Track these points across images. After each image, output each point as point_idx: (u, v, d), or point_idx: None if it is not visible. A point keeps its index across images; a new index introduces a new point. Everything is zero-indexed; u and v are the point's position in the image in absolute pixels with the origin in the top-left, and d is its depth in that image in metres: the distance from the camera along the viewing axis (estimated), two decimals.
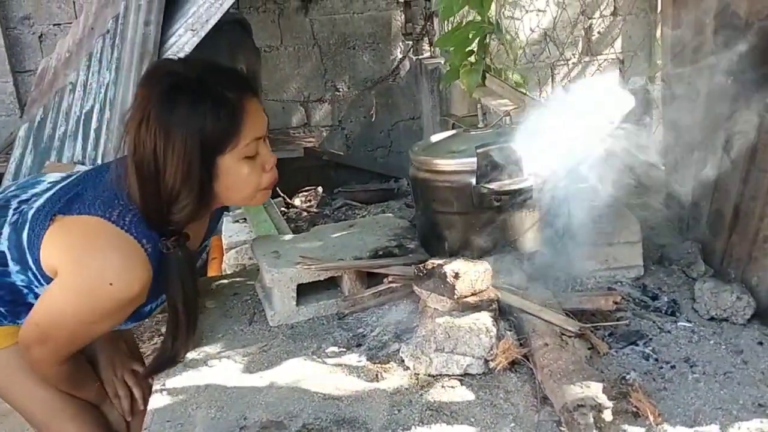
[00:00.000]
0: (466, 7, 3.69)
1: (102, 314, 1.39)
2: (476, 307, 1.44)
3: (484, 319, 1.41)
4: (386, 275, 1.64)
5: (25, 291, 1.45)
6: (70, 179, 1.49)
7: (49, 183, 1.52)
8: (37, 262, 1.38)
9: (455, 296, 1.43)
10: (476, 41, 3.69)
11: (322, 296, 1.71)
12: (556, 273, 1.61)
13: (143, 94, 1.35)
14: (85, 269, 1.34)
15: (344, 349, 1.54)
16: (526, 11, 4.07)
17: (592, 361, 1.39)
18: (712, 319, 1.53)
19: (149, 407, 1.43)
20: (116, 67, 3.82)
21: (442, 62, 4.65)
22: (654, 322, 1.52)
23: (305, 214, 4.50)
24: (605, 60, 4.85)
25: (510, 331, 1.47)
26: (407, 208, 4.40)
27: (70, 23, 4.57)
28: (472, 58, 3.79)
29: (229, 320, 1.72)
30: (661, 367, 1.39)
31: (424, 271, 1.48)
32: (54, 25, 4.74)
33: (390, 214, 2.68)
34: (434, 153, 1.66)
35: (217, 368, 1.52)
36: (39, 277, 1.40)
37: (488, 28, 3.58)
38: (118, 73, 3.79)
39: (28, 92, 4.52)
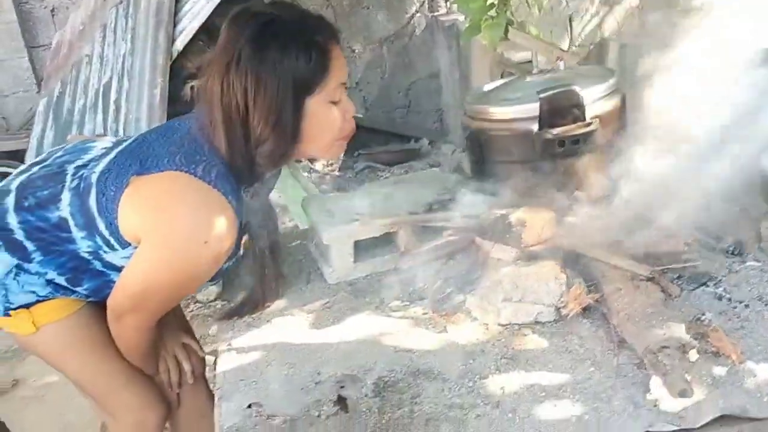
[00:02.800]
0: None
1: (198, 275, 1.36)
2: (542, 256, 1.43)
3: (552, 266, 1.40)
4: (444, 228, 1.62)
5: (90, 258, 1.41)
6: (129, 142, 1.45)
7: (103, 148, 1.48)
8: (111, 225, 1.34)
9: (522, 245, 1.41)
10: None
11: (377, 252, 1.70)
12: (620, 218, 1.58)
13: (231, 35, 1.31)
14: (177, 230, 1.30)
15: (407, 303, 1.54)
16: None
17: (666, 304, 1.38)
18: None
19: (218, 369, 1.43)
20: (132, 36, 3.76)
21: (460, 18, 4.57)
22: (721, 263, 1.51)
23: (328, 177, 4.48)
24: (625, 11, 4.76)
25: (578, 278, 1.46)
26: (430, 168, 4.37)
27: None
28: (492, 12, 3.72)
29: (286, 280, 1.71)
30: (735, 307, 1.37)
31: (488, 222, 1.46)
32: None
33: (436, 169, 2.65)
34: (490, 101, 1.63)
35: (281, 326, 1.52)
36: (112, 242, 1.36)
37: None
38: (134, 42, 3.74)
39: (43, 67, 4.47)
